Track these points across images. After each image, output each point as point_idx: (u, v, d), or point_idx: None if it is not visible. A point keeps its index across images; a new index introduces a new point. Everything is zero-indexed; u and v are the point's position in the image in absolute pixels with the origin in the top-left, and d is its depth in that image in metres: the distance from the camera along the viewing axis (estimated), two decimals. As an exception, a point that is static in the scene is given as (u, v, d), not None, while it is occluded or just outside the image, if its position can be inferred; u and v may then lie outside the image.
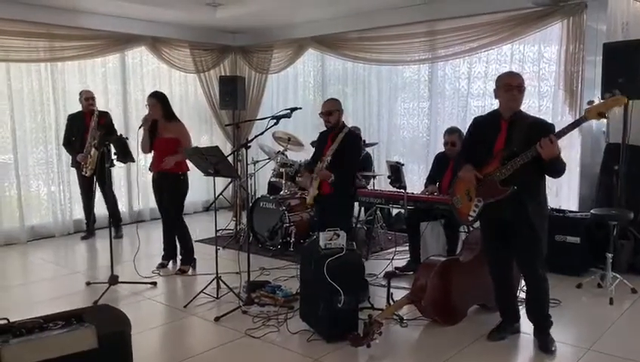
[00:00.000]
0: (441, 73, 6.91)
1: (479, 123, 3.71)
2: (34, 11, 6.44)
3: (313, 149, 7.00)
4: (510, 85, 3.41)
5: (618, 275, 4.59)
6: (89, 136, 6.36)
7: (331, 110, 4.58)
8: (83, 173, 6.41)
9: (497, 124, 3.50)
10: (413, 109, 7.22)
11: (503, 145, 3.44)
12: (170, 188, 5.20)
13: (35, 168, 6.94)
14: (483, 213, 3.55)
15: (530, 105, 6.12)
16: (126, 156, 4.94)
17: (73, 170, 6.85)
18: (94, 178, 6.18)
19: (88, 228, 6.89)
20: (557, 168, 3.34)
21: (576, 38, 5.59)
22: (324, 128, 4.79)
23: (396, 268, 5.24)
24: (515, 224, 3.45)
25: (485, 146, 3.53)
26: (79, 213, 7.17)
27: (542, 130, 3.29)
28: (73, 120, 6.61)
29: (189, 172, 5.24)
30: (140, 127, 5.13)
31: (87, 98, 6.51)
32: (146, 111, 5.20)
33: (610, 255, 4.58)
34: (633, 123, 5.05)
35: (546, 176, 3.49)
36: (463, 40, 6.37)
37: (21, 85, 6.73)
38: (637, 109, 5.03)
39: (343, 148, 4.52)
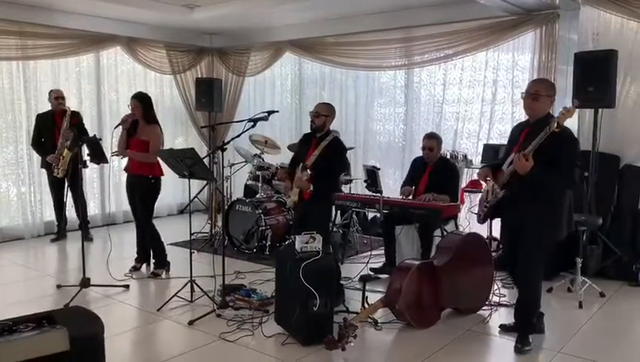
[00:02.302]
0: (417, 79, 6.99)
1: (514, 128, 3.84)
2: (6, 8, 6.30)
3: (290, 153, 7.06)
4: (527, 92, 3.51)
5: (587, 280, 4.69)
6: (60, 136, 6.22)
7: (320, 113, 4.49)
8: (54, 174, 6.27)
9: (521, 130, 3.62)
10: (390, 114, 7.28)
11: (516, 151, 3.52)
12: (141, 191, 5.15)
13: (4, 168, 6.79)
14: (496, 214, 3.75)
15: (504, 112, 6.24)
16: (100, 157, 4.88)
17: (44, 171, 6.71)
18: (66, 179, 6.09)
19: (59, 231, 6.76)
20: (537, 183, 3.39)
21: (548, 47, 5.71)
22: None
23: (371, 269, 5.27)
24: (522, 227, 3.54)
25: (508, 151, 3.65)
26: (50, 215, 7.03)
27: (552, 137, 3.28)
28: (42, 120, 6.46)
29: (163, 176, 5.18)
30: (116, 126, 5.07)
31: (57, 97, 6.36)
32: (121, 113, 5.14)
33: (579, 260, 4.68)
34: (603, 131, 5.18)
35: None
36: (439, 47, 6.44)
37: (-9, 83, 6.59)
38: (606, 117, 5.16)
39: (325, 155, 4.44)
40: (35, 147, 6.52)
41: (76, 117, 6.47)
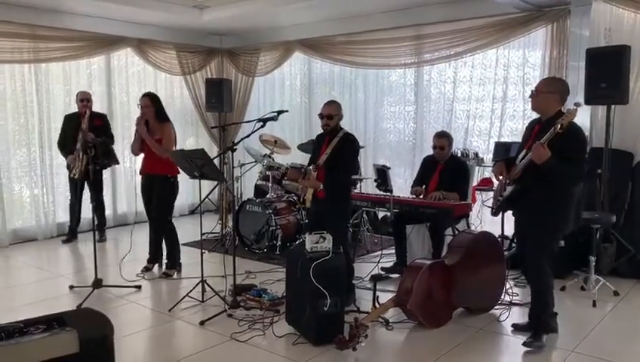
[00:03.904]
0: (427, 77, 6.95)
1: (528, 125, 3.88)
2: (18, 11, 6.37)
3: (300, 153, 7.07)
4: (534, 90, 3.60)
5: (601, 278, 4.64)
6: (79, 138, 6.25)
7: (332, 114, 4.42)
8: (71, 175, 6.34)
9: (533, 127, 3.67)
10: (400, 113, 7.25)
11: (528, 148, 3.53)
12: (159, 191, 5.16)
13: (17, 170, 6.84)
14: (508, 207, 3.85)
15: (515, 110, 6.19)
16: (110, 159, 4.90)
17: (57, 173, 6.76)
18: (84, 181, 6.14)
19: (71, 232, 6.81)
20: (552, 175, 3.40)
21: (559, 43, 5.65)
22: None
23: (382, 269, 5.25)
24: (529, 221, 3.60)
25: (521, 147, 3.69)
26: (62, 216, 7.08)
27: (559, 137, 3.30)
28: (67, 121, 6.52)
29: (179, 175, 5.20)
30: (136, 131, 5.12)
31: (82, 99, 6.42)
32: (132, 114, 5.16)
33: (593, 258, 4.63)
34: (615, 127, 5.12)
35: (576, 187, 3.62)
36: (449, 44, 6.41)
37: (4, 86, 6.63)
38: (619, 114, 5.10)
39: (337, 152, 4.40)
40: (60, 148, 6.57)
41: (100, 119, 6.53)
